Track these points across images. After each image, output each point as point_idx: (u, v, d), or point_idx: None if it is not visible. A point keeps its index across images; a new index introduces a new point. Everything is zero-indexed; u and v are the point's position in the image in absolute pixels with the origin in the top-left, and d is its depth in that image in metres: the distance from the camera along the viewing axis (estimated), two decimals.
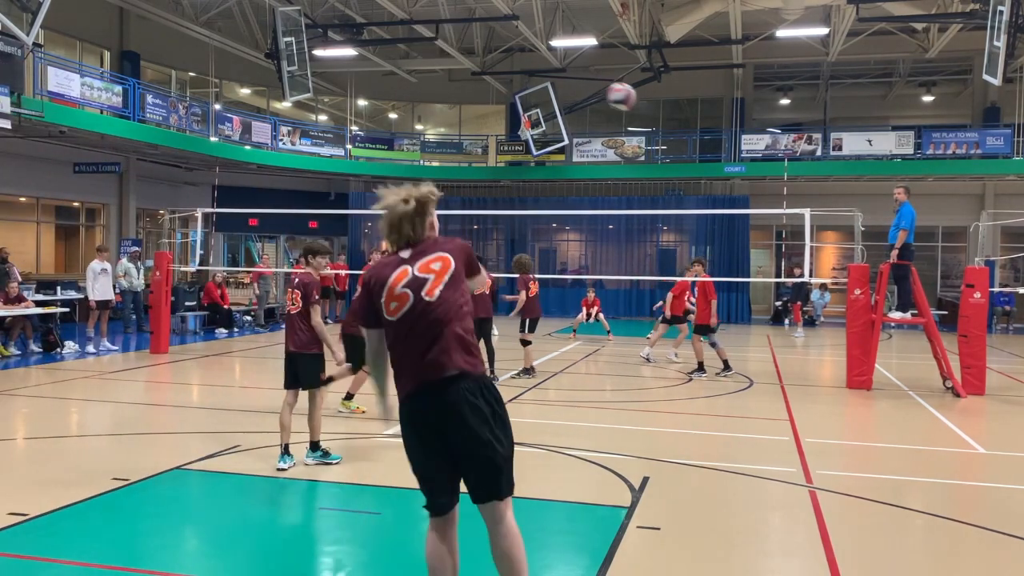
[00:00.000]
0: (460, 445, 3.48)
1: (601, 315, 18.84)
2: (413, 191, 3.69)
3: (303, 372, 6.83)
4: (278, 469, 6.76)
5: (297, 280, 6.93)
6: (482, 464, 3.49)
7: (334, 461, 7.00)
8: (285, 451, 6.85)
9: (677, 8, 21.67)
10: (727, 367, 12.78)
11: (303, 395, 6.97)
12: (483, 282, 4.16)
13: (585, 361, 14.98)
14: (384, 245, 11.12)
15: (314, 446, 7.03)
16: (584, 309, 18.93)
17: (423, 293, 3.59)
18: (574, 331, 18.90)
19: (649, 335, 15.63)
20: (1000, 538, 5.54)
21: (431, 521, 3.64)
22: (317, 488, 6.48)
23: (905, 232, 11.44)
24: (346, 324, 8.81)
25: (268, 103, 28.41)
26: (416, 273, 3.62)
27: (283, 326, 7.39)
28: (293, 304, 6.88)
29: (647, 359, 14.47)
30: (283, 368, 6.94)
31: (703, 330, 12.69)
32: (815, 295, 24.00)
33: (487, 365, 11.83)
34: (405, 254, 3.69)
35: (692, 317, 13.51)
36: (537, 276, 12.87)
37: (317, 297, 6.90)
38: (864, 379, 11.68)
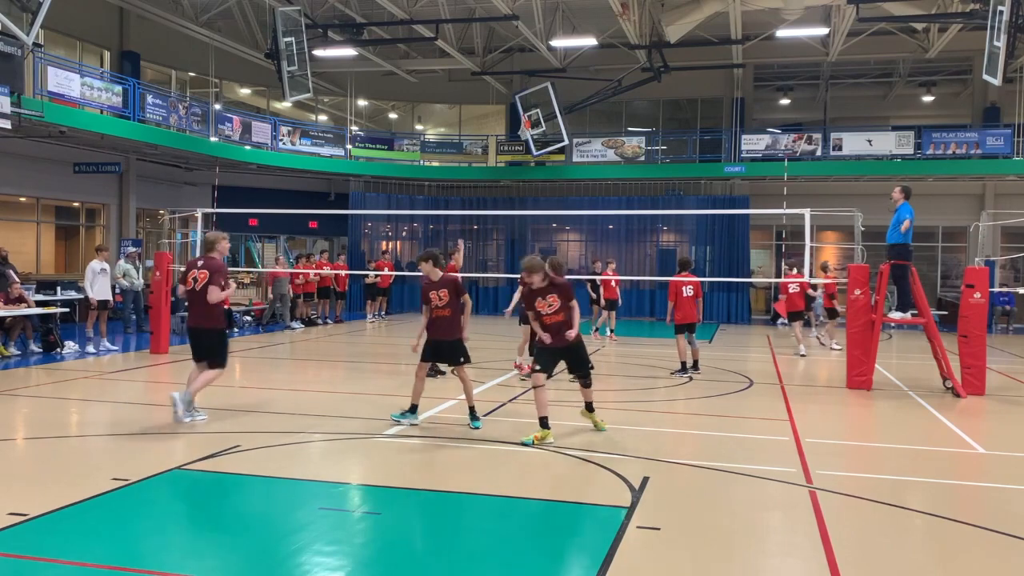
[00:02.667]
0: (202, 347, 8.73)
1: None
2: (217, 235, 9.05)
3: (450, 353, 8.60)
4: (393, 419, 8.57)
5: (441, 279, 8.66)
6: (209, 354, 8.69)
7: (476, 427, 8.39)
8: (411, 410, 8.60)
9: (677, 8, 21.67)
10: (695, 367, 12.91)
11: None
12: (218, 294, 8.55)
13: None
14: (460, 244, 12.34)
15: (472, 411, 8.56)
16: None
17: (197, 286, 8.65)
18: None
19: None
20: (1000, 538, 5.54)
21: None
22: (317, 488, 6.48)
23: (908, 223, 11.39)
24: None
25: (268, 103, 28.40)
26: (197, 274, 8.69)
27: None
28: (440, 300, 8.53)
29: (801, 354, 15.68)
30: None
31: (686, 329, 12.77)
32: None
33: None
34: (200, 263, 8.82)
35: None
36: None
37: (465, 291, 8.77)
38: (864, 379, 11.68)
